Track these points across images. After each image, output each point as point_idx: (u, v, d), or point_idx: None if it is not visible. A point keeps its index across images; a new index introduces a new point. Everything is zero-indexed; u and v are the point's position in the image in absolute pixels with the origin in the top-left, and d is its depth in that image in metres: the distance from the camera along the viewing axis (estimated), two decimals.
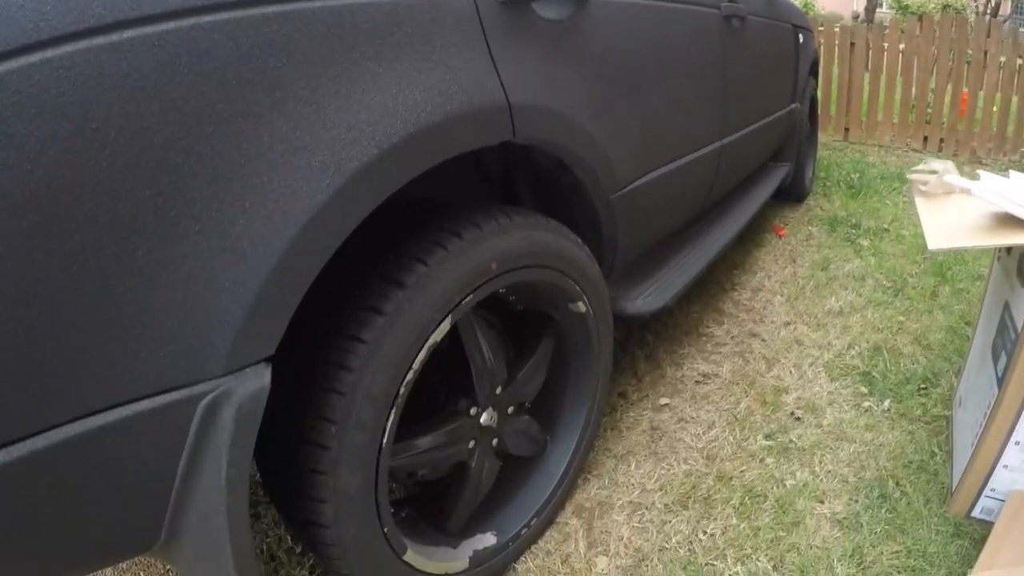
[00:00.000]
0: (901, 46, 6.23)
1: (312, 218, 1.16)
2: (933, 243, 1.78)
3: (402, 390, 1.43)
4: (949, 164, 2.18)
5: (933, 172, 2.14)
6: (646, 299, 2.30)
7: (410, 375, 1.44)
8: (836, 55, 6.48)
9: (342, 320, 1.40)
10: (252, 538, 1.22)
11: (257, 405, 1.14)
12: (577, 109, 1.79)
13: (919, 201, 2.18)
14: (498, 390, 1.83)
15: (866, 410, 2.55)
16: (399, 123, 1.29)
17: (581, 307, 1.94)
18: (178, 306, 1.03)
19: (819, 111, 5.16)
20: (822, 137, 5.70)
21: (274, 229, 1.11)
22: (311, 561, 1.98)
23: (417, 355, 1.44)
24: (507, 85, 1.55)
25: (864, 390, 2.66)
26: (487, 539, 1.89)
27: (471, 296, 1.55)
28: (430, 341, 1.47)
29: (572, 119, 1.77)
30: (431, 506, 1.89)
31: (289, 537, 2.06)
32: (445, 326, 1.51)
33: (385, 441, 1.43)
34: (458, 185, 2.03)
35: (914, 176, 2.24)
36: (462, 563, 1.78)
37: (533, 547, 2.02)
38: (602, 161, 1.92)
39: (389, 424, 1.43)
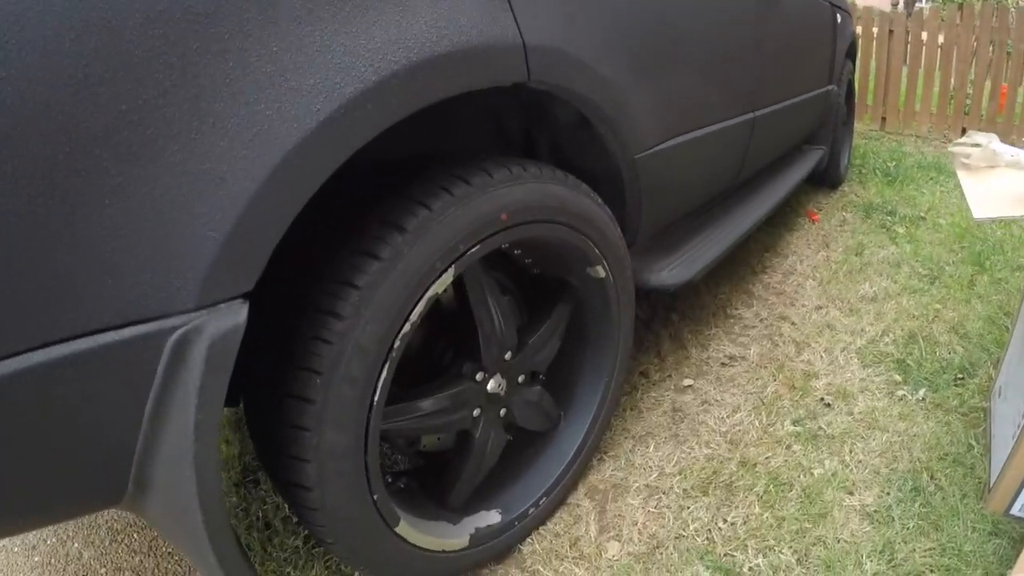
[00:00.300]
0: (941, 36, 6.05)
1: (299, 144, 1.06)
2: (978, 212, 1.65)
3: (397, 343, 1.31)
4: (993, 136, 2.05)
5: (976, 145, 2.01)
6: (671, 272, 2.17)
7: (407, 327, 1.33)
8: (874, 43, 6.32)
9: (335, 264, 1.28)
10: (222, 494, 1.11)
11: (230, 344, 1.04)
12: (600, 57, 1.66)
13: (961, 174, 2.05)
14: (508, 356, 1.71)
15: (900, 399, 2.40)
16: (401, 52, 1.18)
17: (600, 272, 1.81)
18: (149, 232, 0.95)
19: (856, 97, 4.99)
20: (858, 126, 5.54)
21: (257, 154, 1.02)
22: (306, 531, 1.87)
23: (415, 306, 1.33)
24: (522, 23, 1.42)
25: (898, 378, 2.52)
26: (491, 517, 1.77)
27: (477, 247, 1.43)
28: (430, 292, 1.35)
29: (595, 67, 1.64)
30: (432, 478, 1.77)
31: (287, 506, 1.96)
32: (447, 277, 1.39)
33: (376, 399, 1.32)
34: (476, 144, 1.92)
35: (956, 149, 2.11)
36: (462, 540, 1.66)
37: (541, 528, 1.90)
38: (626, 117, 1.79)
39: (381, 380, 1.31)
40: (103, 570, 1.88)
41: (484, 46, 1.33)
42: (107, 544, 1.97)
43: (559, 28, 1.53)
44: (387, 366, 1.31)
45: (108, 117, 0.89)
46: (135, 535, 1.98)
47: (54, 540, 2.00)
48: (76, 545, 1.97)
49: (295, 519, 1.93)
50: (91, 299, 0.92)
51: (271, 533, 1.91)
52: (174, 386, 1.02)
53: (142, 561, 1.90)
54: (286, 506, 1.97)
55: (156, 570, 1.86)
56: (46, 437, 0.95)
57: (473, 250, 1.42)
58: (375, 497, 1.39)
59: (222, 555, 1.12)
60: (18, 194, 0.84)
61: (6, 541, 2.02)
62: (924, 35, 6.16)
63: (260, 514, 1.97)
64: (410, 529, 1.51)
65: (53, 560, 1.93)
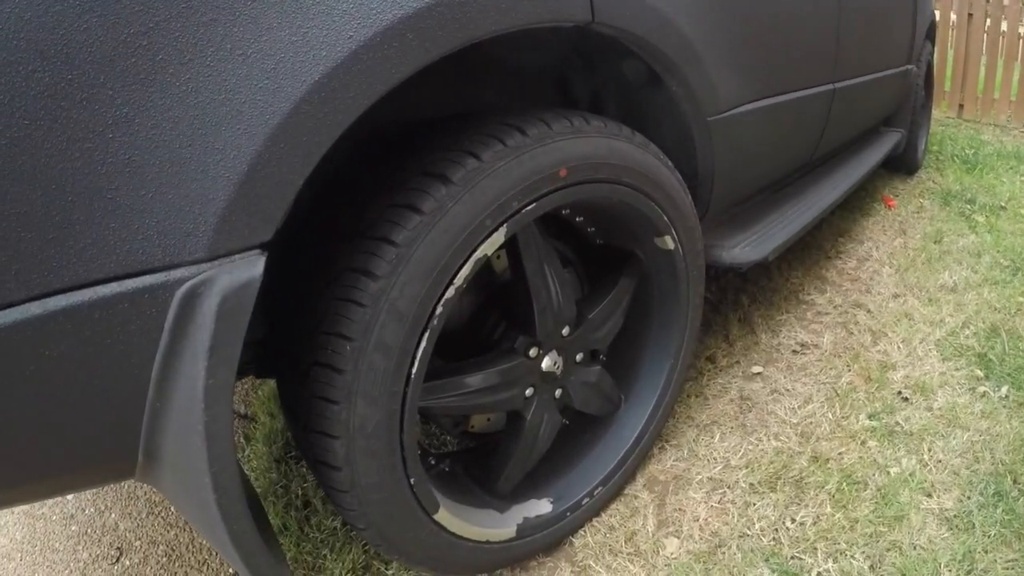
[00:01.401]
0: (1021, 28, 5.74)
1: (327, 76, 0.92)
2: None
3: (439, 309, 1.15)
4: None
5: None
6: (744, 249, 1.97)
7: (450, 292, 1.16)
8: (953, 28, 6.03)
9: (371, 218, 1.12)
10: (237, 468, 0.96)
11: (244, 299, 0.90)
12: (674, 3, 1.48)
13: None
14: (565, 331, 1.53)
15: (982, 395, 2.18)
16: None
17: (669, 243, 1.62)
18: (156, 169, 0.83)
19: (934, 81, 4.74)
20: (935, 113, 5.28)
21: (279, 85, 0.89)
22: None
23: (460, 268, 1.16)
24: None
25: (980, 373, 2.29)
26: (542, 506, 1.60)
27: (533, 205, 1.25)
28: (478, 253, 1.18)
29: (667, 14, 1.45)
30: (479, 462, 1.61)
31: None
32: (498, 237, 1.21)
33: (415, 371, 1.15)
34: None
35: None
36: (508, 531, 1.50)
37: (595, 520, 1.73)
38: (701, 75, 1.60)
39: (420, 350, 1.15)
40: (138, 543, 1.80)
41: None
42: (144, 516, 1.89)
43: None
44: (427, 334, 1.14)
45: (113, 40, 0.78)
46: (171, 508, 1.89)
47: (92, 510, 1.92)
48: (113, 516, 1.89)
49: None
50: (93, 246, 0.81)
51: (309, 512, 1.78)
52: (182, 346, 0.88)
53: (177, 535, 1.81)
54: None
55: (191, 545, 1.77)
56: (44, 398, 0.83)
57: (528, 208, 1.25)
58: (412, 480, 1.23)
59: (237, 535, 0.97)
60: (15, 124, 0.73)
61: (45, 510, 1.95)
62: (1004, 24, 5.85)
63: (300, 492, 1.84)
64: (451, 517, 1.35)
65: (90, 530, 1.86)
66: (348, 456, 1.12)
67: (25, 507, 1.96)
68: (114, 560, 1.74)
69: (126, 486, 2.01)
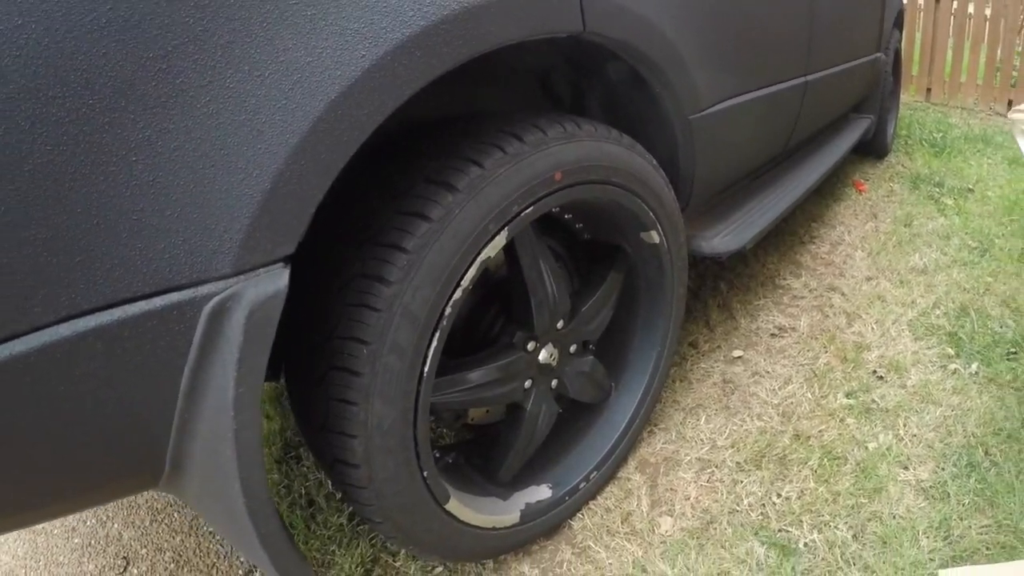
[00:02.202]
0: (988, 7, 5.77)
1: (342, 93, 0.95)
2: None
3: (448, 310, 1.19)
4: None
5: None
6: (723, 239, 2.03)
7: (458, 294, 1.20)
8: (920, 12, 6.05)
9: (380, 226, 1.16)
10: (265, 472, 0.99)
11: (271, 312, 0.92)
12: (658, 11, 1.52)
13: (1021, 141, 1.90)
14: (560, 324, 1.58)
15: (953, 372, 2.25)
16: None
17: (654, 237, 1.67)
18: (180, 190, 0.84)
19: (902, 67, 4.78)
20: (903, 97, 5.31)
21: (297, 103, 0.91)
22: (350, 508, 1.77)
23: (467, 271, 1.20)
24: None
25: (950, 351, 2.36)
26: (541, 492, 1.65)
27: (531, 208, 1.30)
28: (482, 255, 1.23)
29: (652, 21, 1.50)
30: (480, 453, 1.65)
31: (330, 483, 1.86)
32: (500, 240, 1.26)
33: (427, 370, 1.20)
34: (523, 105, 1.79)
35: (1017, 116, 1.95)
36: (512, 517, 1.55)
37: (591, 503, 1.78)
38: (683, 75, 1.64)
39: (432, 350, 1.19)
40: (143, 551, 1.79)
41: None
42: (147, 524, 1.88)
43: None
44: (437, 335, 1.19)
45: (132, 64, 0.79)
46: (175, 515, 1.89)
47: (94, 521, 1.91)
48: (116, 526, 1.88)
49: (339, 496, 1.83)
50: (118, 266, 0.82)
51: (314, 510, 1.81)
52: (211, 359, 0.91)
53: (183, 541, 1.81)
54: (329, 483, 1.87)
55: (197, 550, 1.77)
56: (74, 415, 0.85)
57: (527, 211, 1.29)
58: (425, 473, 1.28)
59: (266, 537, 1.00)
60: (35, 151, 0.74)
61: (45, 524, 1.93)
62: (971, 6, 5.88)
63: (303, 491, 1.87)
64: (460, 506, 1.39)
65: (93, 542, 1.85)
66: (366, 454, 1.15)
67: None
68: (121, 570, 1.73)
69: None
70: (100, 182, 0.78)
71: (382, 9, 0.98)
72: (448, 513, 1.36)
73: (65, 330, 0.79)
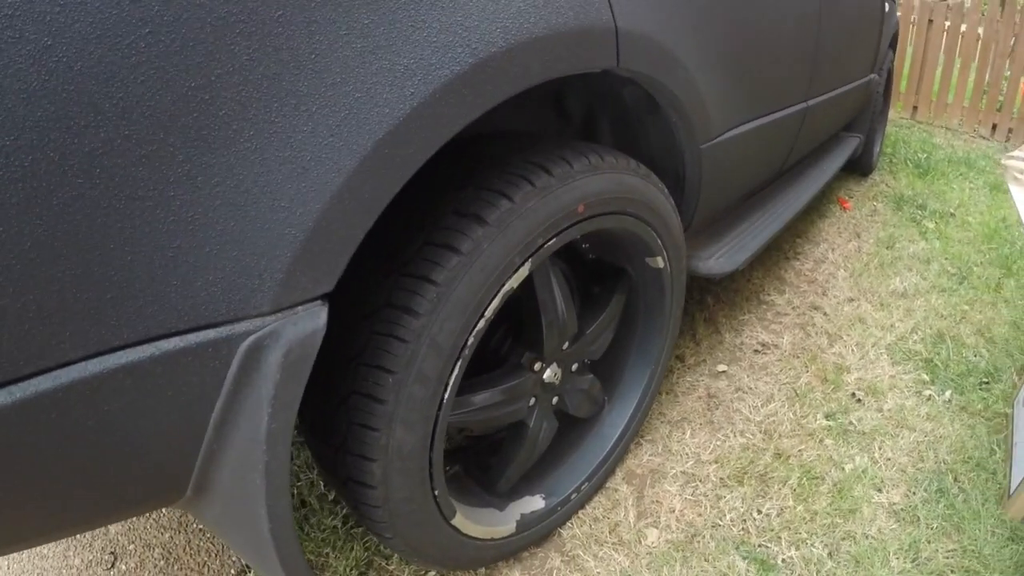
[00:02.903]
0: (980, 29, 5.78)
1: (390, 132, 0.92)
2: None
3: (471, 340, 1.19)
4: None
5: None
6: (718, 260, 2.04)
7: (481, 324, 1.20)
8: (912, 31, 6.05)
9: (410, 256, 1.15)
10: (290, 499, 0.99)
11: (309, 351, 0.91)
12: (683, 45, 1.52)
13: (1015, 188, 1.92)
14: (565, 345, 1.59)
15: (927, 399, 2.29)
16: (499, 31, 1.04)
17: (659, 262, 1.69)
18: (220, 227, 0.81)
19: (892, 86, 4.79)
20: (890, 113, 5.32)
21: (344, 141, 0.88)
22: (344, 510, 1.78)
23: (491, 302, 1.20)
24: (615, 7, 1.28)
25: (926, 378, 2.40)
26: (535, 502, 1.67)
27: (554, 240, 1.30)
28: (506, 287, 1.23)
29: (677, 54, 1.50)
30: (478, 463, 1.67)
31: (322, 483, 1.86)
32: (523, 272, 1.26)
33: (447, 396, 1.20)
34: (535, 123, 1.78)
35: (1010, 162, 1.97)
36: (509, 527, 1.56)
37: (580, 512, 1.81)
38: (699, 106, 1.64)
39: (453, 378, 1.19)
40: (132, 547, 1.77)
41: (580, 29, 1.19)
42: (136, 520, 1.85)
43: (649, 14, 1.38)
44: (459, 363, 1.19)
45: (175, 95, 0.75)
46: (164, 511, 1.86)
47: None
48: None
49: (331, 497, 1.83)
50: (153, 301, 0.78)
51: (307, 512, 1.81)
52: (245, 394, 0.89)
53: (172, 538, 1.79)
54: (321, 483, 1.87)
55: (187, 547, 1.76)
56: (101, 447, 0.82)
57: (550, 243, 1.29)
58: (436, 492, 1.29)
59: (287, 560, 1.01)
60: (66, 184, 0.70)
61: None
62: (963, 27, 5.89)
63: (294, 492, 1.87)
64: (465, 520, 1.41)
65: (80, 536, 1.81)
66: (384, 476, 1.16)
67: None
68: (109, 566, 1.71)
69: None
70: (135, 217, 0.74)
71: (432, 44, 0.96)
72: (454, 528, 1.38)
73: (94, 366, 0.76)
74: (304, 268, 0.88)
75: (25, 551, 1.75)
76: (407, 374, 1.11)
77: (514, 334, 1.56)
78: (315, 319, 0.91)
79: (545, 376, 1.56)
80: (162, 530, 1.82)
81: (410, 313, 1.10)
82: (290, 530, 1.00)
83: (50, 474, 0.80)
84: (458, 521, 1.38)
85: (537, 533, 1.65)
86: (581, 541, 1.72)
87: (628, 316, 1.83)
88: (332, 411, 1.17)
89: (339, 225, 0.90)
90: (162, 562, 1.73)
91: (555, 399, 1.66)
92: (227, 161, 0.79)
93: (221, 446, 0.92)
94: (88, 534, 1.81)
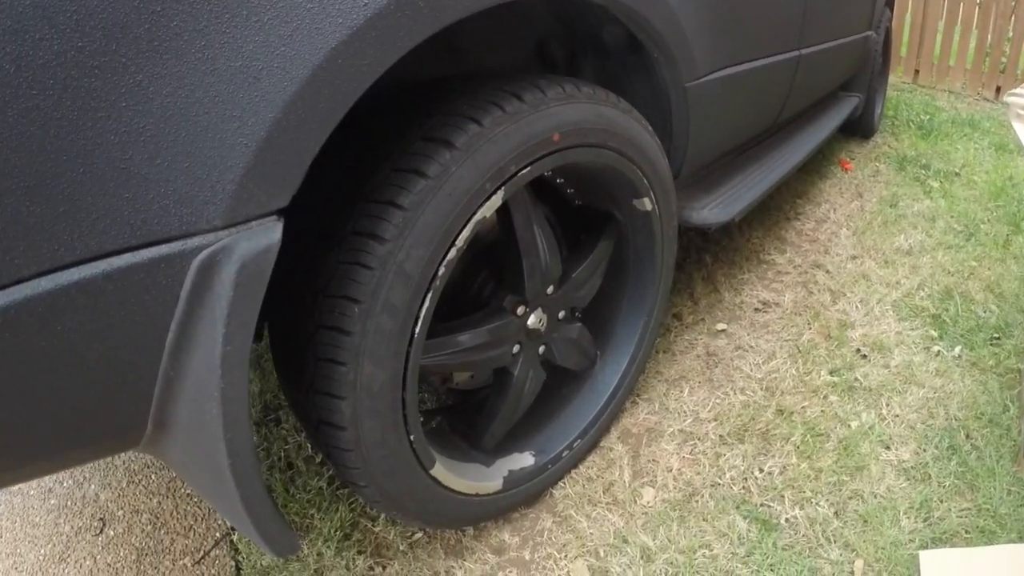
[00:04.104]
0: None
1: (345, 42, 0.91)
2: None
3: (441, 271, 1.17)
4: None
5: None
6: (712, 210, 2.02)
7: (452, 253, 1.18)
8: None
9: (375, 183, 1.13)
10: (251, 434, 0.97)
11: (263, 266, 0.90)
12: None
13: (1017, 125, 1.90)
14: (550, 290, 1.57)
15: (936, 354, 2.27)
16: None
17: (647, 204, 1.66)
18: (172, 138, 0.81)
19: (891, 47, 4.76)
20: (891, 78, 5.28)
21: (296, 51, 0.87)
22: (329, 472, 1.76)
23: (461, 230, 1.18)
24: None
25: (934, 333, 2.38)
26: (524, 459, 1.64)
27: (528, 169, 1.28)
28: (477, 215, 1.21)
29: None
30: (464, 418, 1.64)
31: (310, 445, 1.84)
32: (496, 200, 1.24)
33: (418, 331, 1.18)
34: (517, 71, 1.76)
35: (1012, 99, 1.95)
36: (495, 483, 1.54)
37: (573, 472, 1.79)
38: (681, 41, 1.62)
39: (424, 311, 1.17)
40: (120, 512, 1.78)
41: None
42: (124, 486, 1.86)
43: None
44: (430, 295, 1.17)
45: (126, 7, 0.75)
46: (153, 476, 1.87)
47: (70, 483, 1.89)
48: (92, 487, 1.86)
49: (318, 459, 1.82)
50: (105, 217, 0.78)
51: (294, 474, 1.80)
52: (199, 314, 0.88)
53: (160, 503, 1.79)
54: (309, 446, 1.86)
55: (175, 511, 1.76)
56: (54, 371, 0.82)
57: (523, 172, 1.27)
58: (412, 437, 1.26)
59: (249, 501, 0.98)
60: (19, 96, 0.70)
61: (22, 484, 1.88)
62: None
63: (282, 454, 1.85)
64: (445, 471, 1.39)
65: (69, 503, 1.83)
66: (354, 416, 1.14)
67: None
68: (98, 531, 1.73)
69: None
70: (87, 129, 0.75)
71: None
72: (432, 478, 1.35)
73: (47, 283, 0.76)
74: (257, 180, 0.87)
75: (16, 520, 1.78)
76: (374, 303, 1.09)
77: (497, 279, 1.54)
78: (269, 234, 0.90)
79: (529, 322, 1.54)
80: (151, 496, 1.82)
81: (376, 239, 1.08)
82: (252, 468, 0.97)
83: (3, 400, 0.80)
84: (438, 472, 1.36)
85: (527, 491, 1.63)
86: (574, 501, 1.70)
87: (618, 265, 1.81)
88: (301, 350, 1.15)
89: (293, 136, 0.89)
90: (149, 527, 1.73)
91: (541, 348, 1.63)
92: (178, 71, 0.80)
93: (177, 373, 0.91)
94: (78, 501, 1.82)
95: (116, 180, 0.78)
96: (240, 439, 0.95)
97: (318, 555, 1.59)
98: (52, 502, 1.84)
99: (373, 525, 1.65)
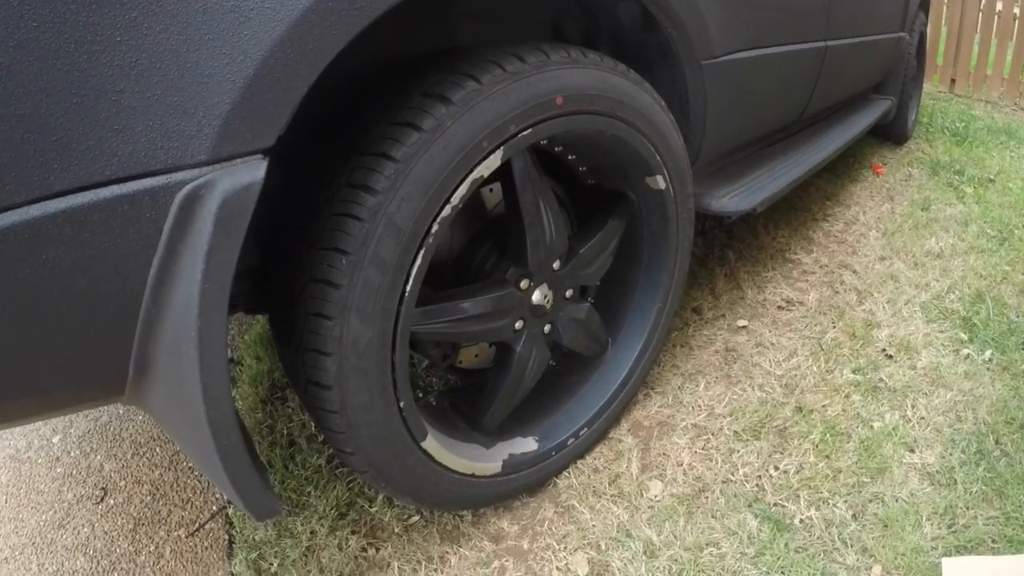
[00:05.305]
0: (1016, 8, 5.69)
1: None
2: None
3: (435, 227, 1.17)
4: None
5: None
6: (732, 199, 2.00)
7: (447, 210, 1.18)
8: (946, 3, 5.98)
9: (371, 135, 1.14)
10: (229, 381, 0.97)
11: (245, 204, 0.91)
12: None
13: None
14: (556, 265, 1.56)
15: (965, 357, 2.22)
16: None
17: (660, 182, 1.65)
18: (163, 73, 0.84)
19: (926, 54, 4.74)
20: (927, 87, 5.24)
21: None
22: (330, 450, 1.76)
23: (457, 188, 1.18)
24: None
25: (964, 336, 2.33)
26: (527, 444, 1.63)
27: (529, 130, 1.28)
28: (475, 174, 1.20)
29: None
30: (467, 399, 1.64)
31: (313, 423, 1.85)
32: (494, 160, 1.24)
33: (409, 289, 1.18)
34: None
35: None
36: (494, 466, 1.53)
37: (579, 461, 1.77)
38: (695, 16, 1.62)
39: (415, 268, 1.17)
40: (123, 483, 1.82)
41: None
42: (129, 457, 1.90)
43: None
44: (422, 252, 1.17)
45: None
46: (157, 449, 1.91)
47: (77, 452, 1.94)
48: (99, 458, 1.91)
49: (320, 438, 1.82)
50: (95, 148, 0.81)
51: (294, 451, 1.80)
52: (180, 250, 0.89)
53: (162, 475, 1.83)
54: (312, 424, 1.86)
55: (175, 484, 1.79)
56: (39, 302, 0.83)
57: (524, 133, 1.27)
58: (401, 403, 1.25)
59: (226, 451, 0.98)
60: (21, 27, 0.74)
61: (31, 453, 1.97)
62: (999, 4, 5.80)
63: (285, 431, 1.86)
64: (438, 446, 1.37)
65: (75, 472, 1.88)
66: (339, 374, 1.13)
67: (10, 450, 1.98)
68: (98, 500, 1.77)
69: (112, 428, 2.02)
70: (81, 60, 0.78)
71: None
72: (424, 452, 1.34)
73: (35, 211, 0.79)
74: (243, 118, 0.89)
75: (23, 486, 1.85)
76: (362, 255, 1.09)
77: (501, 251, 1.54)
78: (253, 172, 0.91)
79: (534, 297, 1.53)
80: (153, 467, 1.87)
81: (367, 191, 1.09)
82: (230, 417, 0.97)
83: None
84: (430, 446, 1.35)
85: (528, 478, 1.61)
86: (578, 491, 1.68)
87: (632, 247, 1.80)
88: (292, 306, 1.16)
89: (279, 76, 0.91)
90: (149, 497, 1.78)
91: (547, 327, 1.62)
92: (172, 8, 0.83)
93: (158, 312, 0.91)
94: (83, 470, 1.89)
95: (107, 112, 0.81)
96: (217, 385, 0.95)
97: (311, 533, 1.58)
98: (58, 470, 1.90)
99: (370, 506, 1.64)
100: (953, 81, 6.14)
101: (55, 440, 2.01)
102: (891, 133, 4.14)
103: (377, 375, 1.18)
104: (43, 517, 1.75)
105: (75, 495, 1.80)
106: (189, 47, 0.84)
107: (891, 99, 3.77)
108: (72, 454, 1.94)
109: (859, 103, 3.50)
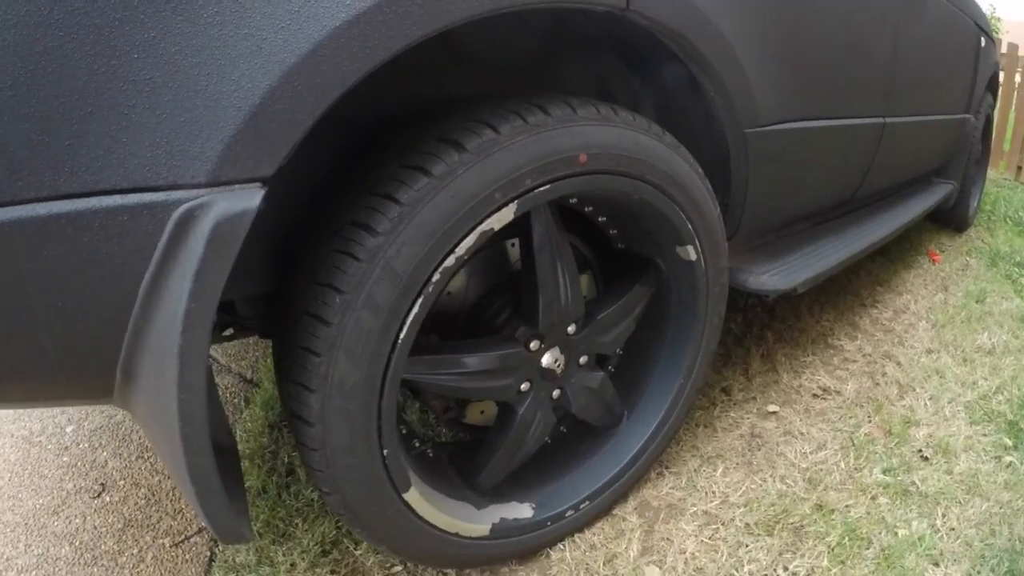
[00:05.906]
0: None
1: (350, 21, 0.97)
2: None
3: (436, 276, 1.18)
4: None
5: None
6: (772, 276, 1.98)
7: (450, 260, 1.19)
8: (1017, 83, 5.95)
9: (383, 177, 1.17)
10: (205, 401, 1.00)
11: (237, 228, 0.94)
12: (717, 7, 1.51)
13: None
14: (571, 329, 1.55)
15: (1007, 465, 2.16)
16: None
17: (691, 253, 1.64)
18: (174, 93, 0.90)
19: (992, 139, 4.70)
20: (991, 173, 5.21)
21: (301, 25, 0.95)
22: None
23: (464, 238, 1.19)
24: None
25: (1008, 442, 2.27)
26: (522, 510, 1.61)
27: (548, 186, 1.28)
28: (484, 225, 1.21)
29: (706, 13, 1.48)
30: (465, 455, 1.63)
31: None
32: (507, 214, 1.25)
33: (403, 336, 1.19)
34: None
35: None
36: (481, 527, 1.51)
37: (576, 535, 1.74)
38: (739, 81, 1.62)
39: (412, 315, 1.18)
40: (122, 482, 1.92)
41: None
42: (133, 459, 2.01)
43: None
44: (420, 300, 1.18)
45: None
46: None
47: (86, 445, 2.07)
48: (105, 454, 2.03)
49: None
50: (103, 157, 0.87)
51: (291, 480, 1.84)
52: (171, 267, 0.93)
53: (160, 481, 1.91)
54: None
55: (171, 493, 1.86)
56: (35, 298, 0.90)
57: (541, 188, 1.28)
58: (385, 451, 1.26)
59: (196, 470, 1.01)
60: (48, 36, 0.81)
61: (43, 438, 2.10)
62: None
63: (286, 459, 1.91)
64: (421, 500, 1.37)
65: (80, 463, 2.01)
66: (322, 412, 1.15)
67: (24, 432, 2.12)
68: (96, 495, 1.88)
69: (123, 428, 2.13)
70: (100, 73, 0.84)
71: None
72: (405, 503, 1.34)
73: (42, 209, 0.85)
74: (245, 145, 0.93)
75: (28, 468, 2.00)
76: (356, 296, 1.11)
77: (514, 307, 1.55)
78: (248, 199, 0.94)
79: (544, 360, 1.52)
80: (153, 472, 1.96)
81: (368, 231, 1.11)
82: (203, 436, 0.99)
83: None
84: (413, 498, 1.34)
85: (518, 545, 1.59)
86: (569, 567, 1.65)
87: (658, 320, 1.79)
88: (288, 337, 1.19)
89: (285, 107, 0.94)
90: (143, 501, 1.86)
91: (556, 392, 1.61)
92: (188, 32, 0.89)
93: (146, 323, 0.95)
94: (88, 463, 2.01)
95: (118, 124, 0.87)
96: (193, 402, 0.97)
97: (291, 565, 1.59)
98: (64, 459, 2.02)
99: (355, 548, 1.64)
100: (1020, 168, 6.09)
101: (68, 430, 2.15)
102: (951, 219, 4.11)
103: (361, 419, 1.19)
104: (40, 501, 1.88)
105: (75, 486, 1.93)
106: (201, 70, 0.89)
107: (953, 183, 3.74)
108: (81, 446, 2.07)
109: (918, 185, 3.48)
